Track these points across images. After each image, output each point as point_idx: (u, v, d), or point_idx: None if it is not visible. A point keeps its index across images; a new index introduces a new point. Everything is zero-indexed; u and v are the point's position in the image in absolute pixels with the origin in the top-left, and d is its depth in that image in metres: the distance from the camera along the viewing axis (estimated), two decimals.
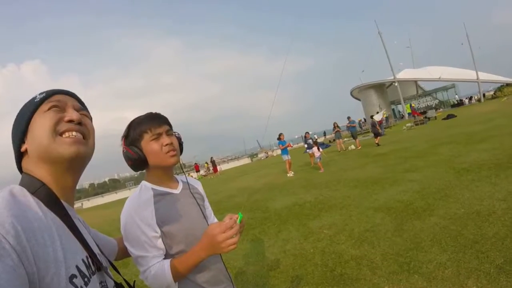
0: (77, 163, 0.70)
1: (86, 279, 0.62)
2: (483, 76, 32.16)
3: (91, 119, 0.80)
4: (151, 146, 1.07)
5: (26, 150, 0.69)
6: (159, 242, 1.04)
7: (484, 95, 30.65)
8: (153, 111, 1.16)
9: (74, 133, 0.69)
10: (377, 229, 3.62)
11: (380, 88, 39.33)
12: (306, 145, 12.54)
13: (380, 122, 20.64)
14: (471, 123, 13.09)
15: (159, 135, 1.09)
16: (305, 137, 13.06)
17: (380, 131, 17.94)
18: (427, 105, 35.16)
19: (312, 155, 11.75)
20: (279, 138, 11.22)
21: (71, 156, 0.67)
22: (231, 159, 41.55)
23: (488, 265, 2.36)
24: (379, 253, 3.00)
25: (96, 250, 0.76)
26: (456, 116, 19.07)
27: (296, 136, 37.60)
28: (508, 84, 27.34)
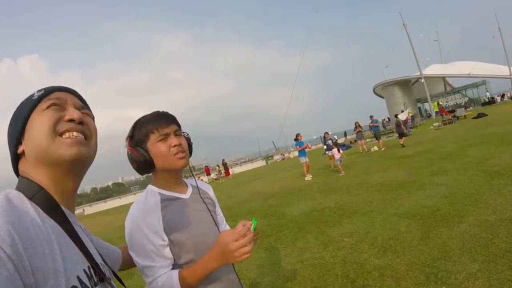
0: (78, 165, 0.66)
1: None
2: None
3: (93, 118, 0.75)
4: (158, 148, 1.02)
5: (23, 152, 0.64)
6: (167, 251, 0.99)
7: None
8: (160, 110, 1.10)
9: (75, 133, 0.65)
10: (402, 237, 3.48)
11: (405, 84, 37.97)
12: (325, 146, 12.29)
13: (406, 122, 19.98)
14: (503, 122, 12.37)
15: (166, 136, 1.03)
16: (324, 137, 12.77)
17: (405, 131, 17.31)
18: (456, 103, 33.63)
19: (332, 157, 11.52)
20: (296, 139, 10.88)
21: (72, 158, 0.62)
22: (244, 162, 41.17)
23: None
24: (404, 263, 2.89)
25: (98, 259, 0.71)
26: (487, 115, 18.29)
27: (315, 137, 37.08)
28: None
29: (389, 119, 30.19)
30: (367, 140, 18.92)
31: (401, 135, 13.61)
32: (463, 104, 32.61)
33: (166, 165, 1.04)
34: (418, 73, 33.20)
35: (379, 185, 6.48)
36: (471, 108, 29.59)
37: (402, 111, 21.61)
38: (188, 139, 1.13)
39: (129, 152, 1.03)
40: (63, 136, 0.63)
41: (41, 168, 0.62)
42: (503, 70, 30.70)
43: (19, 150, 0.64)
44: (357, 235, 3.93)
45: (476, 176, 5.19)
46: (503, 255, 2.56)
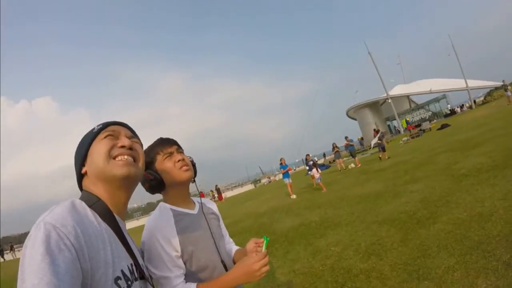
0: (128, 182, 0.81)
1: (129, 283, 0.71)
2: (472, 83, 33.03)
3: (141, 145, 0.91)
4: (165, 165, 1.12)
5: (85, 172, 0.80)
6: (180, 262, 1.05)
7: (475, 101, 31.30)
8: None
9: (125, 156, 0.80)
10: (384, 242, 3.60)
11: (375, 106, 40.05)
12: (307, 167, 12.62)
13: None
14: (465, 130, 13.29)
15: (171, 154, 1.14)
16: (306, 159, 13.17)
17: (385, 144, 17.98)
18: (421, 117, 35.58)
19: (313, 176, 11.79)
20: (280, 163, 11.74)
21: (123, 176, 0.78)
22: (235, 186, 41.22)
23: (496, 262, 2.38)
24: (388, 264, 2.99)
25: (140, 260, 0.85)
26: (450, 125, 19.30)
27: (297, 160, 37.68)
28: (496, 88, 27.92)
29: (362, 138, 31.30)
30: (344, 158, 19.40)
31: (383, 149, 14.14)
32: (427, 118, 34.56)
33: (174, 179, 1.12)
34: (385, 95, 35.25)
35: (358, 198, 6.68)
36: (435, 120, 31.27)
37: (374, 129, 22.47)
38: (191, 161, 1.23)
39: None
40: (116, 159, 0.79)
41: (99, 184, 0.78)
42: (460, 83, 33.13)
43: (83, 171, 0.81)
44: (342, 244, 4.02)
45: (445, 181, 5.50)
46: (477, 246, 2.73)
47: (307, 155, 13.48)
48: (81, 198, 0.76)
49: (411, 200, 4.99)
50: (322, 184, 9.97)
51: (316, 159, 20.90)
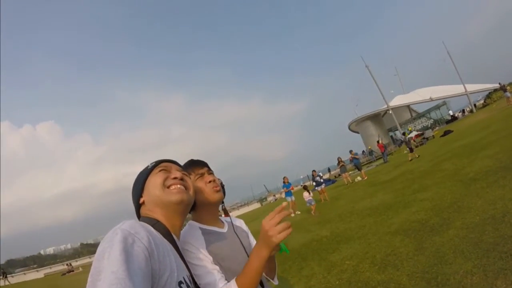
0: (182, 207, 0.93)
1: None
2: (471, 87, 33.24)
3: (189, 177, 1.05)
4: (197, 185, 1.13)
5: (143, 202, 0.93)
6: (215, 265, 1.02)
7: (475, 105, 31.27)
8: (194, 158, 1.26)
9: (178, 185, 0.93)
10: (398, 252, 3.57)
11: (376, 117, 40.31)
12: (314, 183, 12.55)
13: (383, 150, 20.73)
14: (468, 134, 13.26)
15: (202, 175, 1.18)
16: (312, 175, 13.14)
17: (385, 158, 17.97)
18: (423, 126, 35.66)
19: (322, 191, 11.69)
20: (283, 182, 11.83)
21: (178, 201, 0.90)
22: (241, 206, 40.96)
23: None
24: (405, 274, 2.95)
25: (193, 274, 0.94)
26: (452, 131, 19.24)
27: (302, 176, 37.35)
28: (495, 90, 27.96)
29: (371, 150, 31.09)
30: (350, 172, 19.32)
31: (411, 150, 14.18)
32: (429, 125, 34.59)
33: (205, 199, 1.15)
34: (386, 106, 35.52)
35: (368, 210, 6.62)
36: (437, 128, 31.23)
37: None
38: (221, 182, 1.26)
39: None
40: (170, 188, 0.92)
41: (157, 210, 0.90)
42: (459, 88, 33.35)
43: (141, 201, 0.93)
44: (357, 257, 3.97)
45: (454, 186, 5.47)
46: (493, 249, 2.71)
47: (313, 171, 13.43)
48: (142, 221, 0.84)
49: (422, 208, 4.95)
50: (314, 208, 9.61)
51: (322, 175, 20.76)
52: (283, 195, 13.88)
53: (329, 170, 37.07)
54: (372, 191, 9.46)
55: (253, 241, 1.34)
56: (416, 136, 25.20)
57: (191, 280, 0.86)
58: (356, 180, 15.05)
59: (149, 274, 0.66)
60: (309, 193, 9.90)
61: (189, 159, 1.27)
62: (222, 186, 1.27)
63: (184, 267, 0.85)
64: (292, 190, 11.90)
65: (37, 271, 29.27)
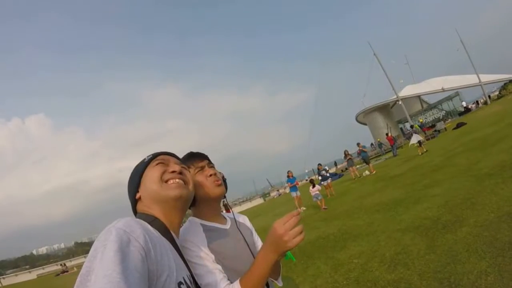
0: (181, 202, 0.87)
1: None
2: (485, 78, 32.06)
3: (189, 171, 0.99)
4: (197, 179, 1.07)
5: (139, 197, 0.87)
6: (217, 265, 0.98)
7: (489, 96, 30.28)
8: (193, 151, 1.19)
9: (177, 180, 0.88)
10: (409, 250, 3.47)
11: (385, 109, 39.43)
12: (320, 177, 12.39)
13: (392, 143, 20.41)
14: (482, 127, 12.90)
15: (202, 168, 1.11)
16: (318, 169, 12.95)
17: (394, 150, 17.64)
18: (435, 117, 34.80)
19: (328, 186, 11.57)
20: (288, 176, 11.59)
21: (176, 196, 0.85)
22: (243, 201, 40.62)
23: None
24: (416, 274, 2.87)
25: (193, 274, 0.89)
26: (466, 123, 18.79)
27: (307, 171, 37.08)
28: (511, 81, 27.01)
29: (381, 143, 30.62)
30: (358, 166, 19.09)
31: (420, 143, 13.93)
32: (441, 117, 33.78)
33: (206, 194, 1.09)
34: (395, 96, 34.63)
35: (377, 206, 6.50)
36: (449, 120, 30.43)
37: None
38: (222, 176, 1.21)
39: None
40: (168, 182, 0.86)
41: (154, 206, 0.85)
42: (472, 78, 32.18)
43: (137, 196, 0.88)
44: (365, 255, 3.88)
45: (467, 182, 5.31)
46: (509, 248, 2.60)
47: (319, 164, 13.26)
48: (138, 218, 0.80)
49: (434, 204, 4.82)
50: (320, 203, 9.28)
51: (328, 168, 20.54)
52: (288, 190, 13.73)
53: (335, 164, 36.68)
54: (380, 186, 9.31)
55: (258, 239, 1.29)
56: (427, 128, 24.71)
57: (192, 280, 0.82)
58: (364, 174, 14.86)
59: (146, 276, 0.62)
60: (317, 187, 9.51)
61: (189, 151, 1.20)
62: (224, 180, 1.21)
63: (184, 266, 0.81)
64: (297, 185, 11.58)
65: (29, 272, 28.63)
